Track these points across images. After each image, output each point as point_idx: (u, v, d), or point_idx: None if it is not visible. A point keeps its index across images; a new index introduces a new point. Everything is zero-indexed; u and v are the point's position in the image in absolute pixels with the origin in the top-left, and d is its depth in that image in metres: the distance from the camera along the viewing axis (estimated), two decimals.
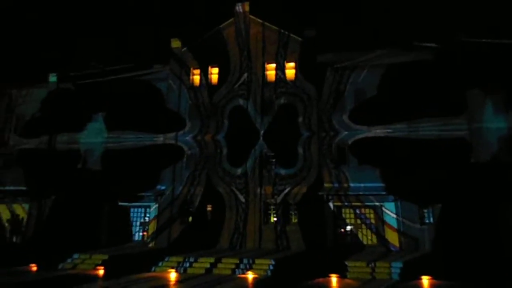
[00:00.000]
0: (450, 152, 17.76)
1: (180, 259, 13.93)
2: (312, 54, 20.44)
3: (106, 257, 14.55)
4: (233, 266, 13.10)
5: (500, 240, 15.82)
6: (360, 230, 18.74)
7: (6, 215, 22.35)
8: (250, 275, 12.42)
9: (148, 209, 21.43)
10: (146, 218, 21.32)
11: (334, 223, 18.44)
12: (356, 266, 12.67)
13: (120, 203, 21.27)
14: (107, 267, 13.58)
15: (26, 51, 23.30)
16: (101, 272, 13.34)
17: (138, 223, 21.67)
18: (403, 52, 19.75)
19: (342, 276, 12.09)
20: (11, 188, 22.46)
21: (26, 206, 22.34)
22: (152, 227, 20.29)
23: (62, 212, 21.14)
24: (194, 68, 22.05)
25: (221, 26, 22.05)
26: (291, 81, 20.63)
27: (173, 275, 12.76)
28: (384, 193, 17.74)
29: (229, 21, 22.00)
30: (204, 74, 21.83)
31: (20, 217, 22.24)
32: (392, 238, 17.62)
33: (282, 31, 21.12)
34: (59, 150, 22.64)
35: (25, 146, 23.08)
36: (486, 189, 16.68)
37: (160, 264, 13.79)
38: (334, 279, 11.81)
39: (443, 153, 17.73)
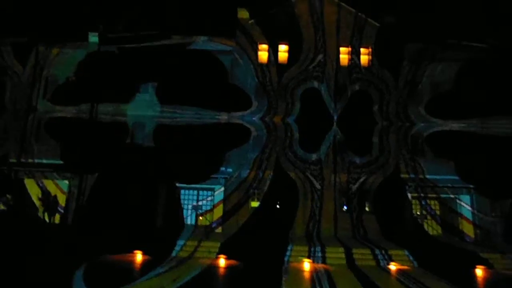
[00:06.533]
0: None
1: (305, 248, 13.20)
2: (389, 41, 19.99)
3: (218, 244, 13.31)
4: (370, 257, 12.70)
5: None
6: (426, 221, 19.22)
7: (35, 192, 19.45)
8: (393, 267, 12.08)
9: (201, 192, 20.08)
10: (200, 202, 19.96)
11: (411, 213, 18.66)
12: (492, 258, 12.94)
13: (177, 185, 19.54)
14: (231, 256, 12.35)
15: (63, 3, 19.89)
16: (222, 261, 12.05)
17: (190, 206, 20.17)
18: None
19: (489, 267, 12.32)
20: (42, 161, 19.56)
21: (61, 182, 19.66)
22: (218, 212, 18.96)
23: (109, 190, 18.90)
24: (262, 43, 20.51)
25: (293, 0, 20.63)
26: (366, 67, 20.10)
27: (307, 265, 11.97)
28: (465, 186, 18.21)
29: None
30: (273, 51, 20.42)
31: (53, 194, 19.47)
32: (467, 229, 18.29)
33: (359, 14, 20.33)
34: (102, 121, 19.98)
35: (58, 115, 20.05)
36: None
37: (288, 253, 12.90)
38: (479, 270, 11.92)
39: None
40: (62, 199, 19.29)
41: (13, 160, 19.36)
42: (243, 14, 20.59)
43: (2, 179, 18.81)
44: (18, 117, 19.68)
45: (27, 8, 19.50)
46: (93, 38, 20.45)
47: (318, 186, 18.87)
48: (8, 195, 18.07)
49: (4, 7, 18.78)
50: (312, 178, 18.98)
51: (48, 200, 19.11)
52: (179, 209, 19.85)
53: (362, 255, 12.85)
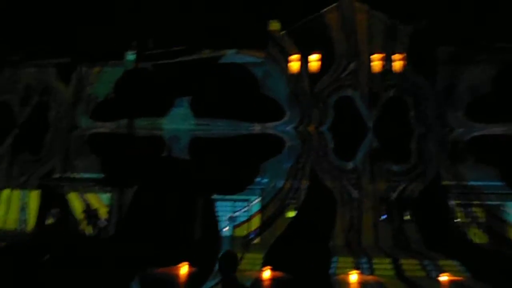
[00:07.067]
0: None
1: (350, 259, 13.01)
2: (423, 45, 19.67)
3: (261, 255, 13.33)
4: (419, 267, 12.36)
5: None
6: (470, 229, 18.51)
7: (77, 206, 20.16)
8: (445, 277, 11.68)
9: (235, 203, 20.15)
10: (236, 213, 20.04)
11: (454, 221, 18.05)
12: None
13: (213, 196, 19.75)
14: (276, 268, 12.30)
15: (104, 25, 20.79)
16: (267, 273, 11.99)
17: (225, 218, 20.29)
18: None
19: None
20: (85, 176, 20.31)
21: (103, 196, 20.30)
22: (255, 222, 19.00)
23: (148, 203, 19.33)
24: (293, 54, 20.64)
25: (323, 11, 20.71)
26: (400, 73, 19.81)
27: (354, 277, 11.75)
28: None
29: (331, 6, 20.71)
30: (305, 61, 20.49)
31: (94, 208, 20.12)
32: None
33: (391, 20, 20.14)
34: (139, 136, 20.60)
35: (99, 130, 20.84)
36: None
37: (334, 265, 12.76)
38: None
39: None
40: (104, 213, 19.93)
41: (57, 176, 20.23)
42: (275, 25, 20.82)
43: (48, 194, 19.67)
44: (62, 134, 20.60)
45: (70, 30, 20.45)
46: (130, 56, 21.26)
47: (356, 195, 18.60)
48: (55, 209, 18.89)
49: (48, 31, 19.88)
50: (349, 187, 18.74)
51: (90, 213, 19.82)
52: (215, 220, 20.01)
53: (411, 266, 12.51)
